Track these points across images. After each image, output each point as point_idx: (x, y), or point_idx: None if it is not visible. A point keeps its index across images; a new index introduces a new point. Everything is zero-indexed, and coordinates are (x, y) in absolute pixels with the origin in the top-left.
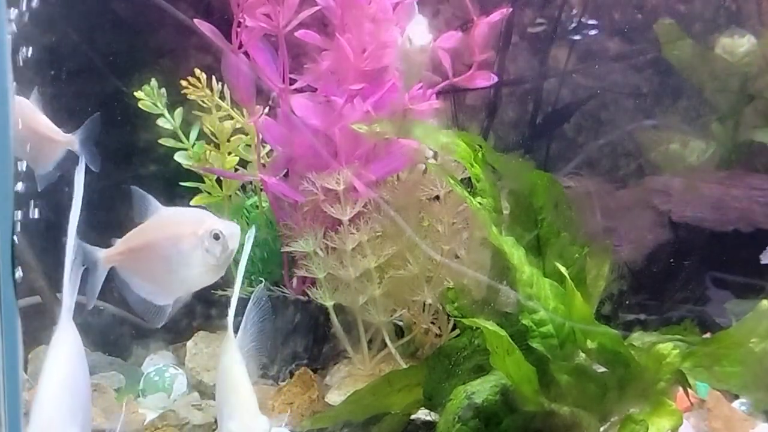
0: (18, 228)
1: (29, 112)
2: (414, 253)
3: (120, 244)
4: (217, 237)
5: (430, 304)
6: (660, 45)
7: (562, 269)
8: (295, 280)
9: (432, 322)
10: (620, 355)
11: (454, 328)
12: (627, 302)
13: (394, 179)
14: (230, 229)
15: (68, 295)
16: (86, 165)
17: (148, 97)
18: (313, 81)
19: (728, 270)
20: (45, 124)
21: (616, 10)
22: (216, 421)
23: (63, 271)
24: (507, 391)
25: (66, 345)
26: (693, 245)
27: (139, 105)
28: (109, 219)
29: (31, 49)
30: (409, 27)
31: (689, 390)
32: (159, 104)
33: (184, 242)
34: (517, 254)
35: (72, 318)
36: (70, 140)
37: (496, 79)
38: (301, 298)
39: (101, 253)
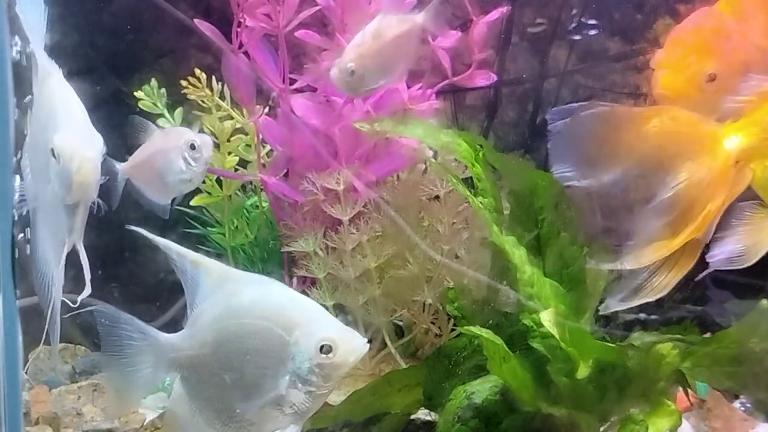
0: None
1: None
2: (414, 253)
3: (129, 160)
4: (193, 147)
5: (430, 304)
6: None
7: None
8: (295, 280)
9: (432, 322)
10: (618, 366)
11: (454, 328)
12: None
13: (394, 179)
14: (203, 139)
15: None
16: None
17: (148, 97)
18: (313, 81)
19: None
20: None
21: (616, 9)
22: None
23: None
24: (507, 391)
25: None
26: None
27: (139, 105)
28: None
29: None
30: None
31: (689, 390)
32: (159, 104)
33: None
34: (517, 254)
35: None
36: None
37: (495, 78)
38: None
39: (119, 166)
